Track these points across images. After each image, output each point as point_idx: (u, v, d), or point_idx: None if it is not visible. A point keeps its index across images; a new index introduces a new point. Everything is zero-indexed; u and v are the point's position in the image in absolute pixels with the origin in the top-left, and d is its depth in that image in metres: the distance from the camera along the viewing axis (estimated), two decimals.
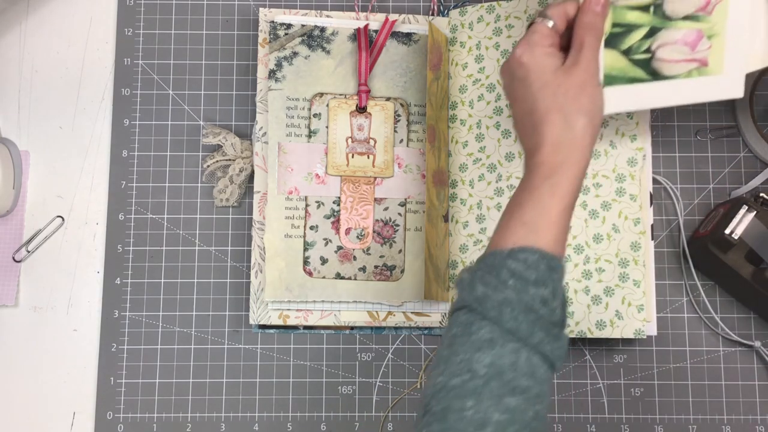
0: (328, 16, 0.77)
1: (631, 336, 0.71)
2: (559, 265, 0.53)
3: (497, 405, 0.48)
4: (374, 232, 0.75)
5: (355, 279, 0.74)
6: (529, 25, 0.58)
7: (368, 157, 0.76)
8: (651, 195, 0.73)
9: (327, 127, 0.76)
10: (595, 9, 0.58)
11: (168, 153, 0.78)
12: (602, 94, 0.58)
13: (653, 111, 0.77)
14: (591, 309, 0.72)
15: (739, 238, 0.69)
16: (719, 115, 0.78)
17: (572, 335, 0.72)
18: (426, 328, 0.75)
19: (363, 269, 0.74)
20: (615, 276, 0.72)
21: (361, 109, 0.76)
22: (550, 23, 0.58)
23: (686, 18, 0.63)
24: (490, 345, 0.50)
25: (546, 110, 0.55)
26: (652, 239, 0.74)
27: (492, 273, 0.52)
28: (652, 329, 0.73)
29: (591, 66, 0.57)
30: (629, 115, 0.73)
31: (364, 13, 0.78)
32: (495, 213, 0.74)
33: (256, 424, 0.74)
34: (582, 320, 0.72)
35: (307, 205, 0.75)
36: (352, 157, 0.76)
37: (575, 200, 0.55)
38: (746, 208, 0.70)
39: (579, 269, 0.73)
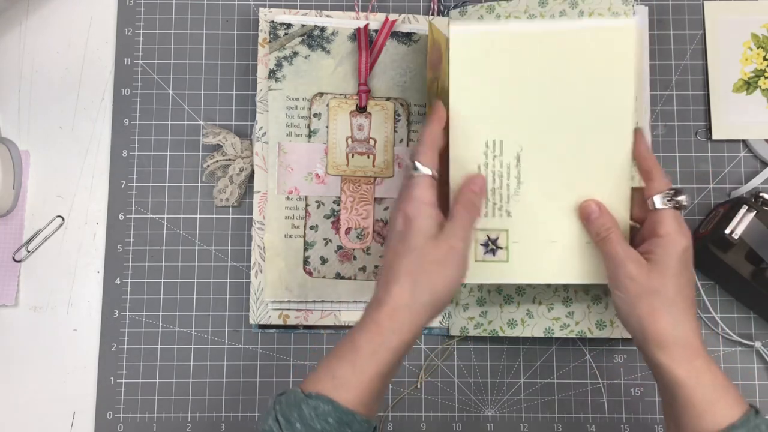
0: (328, 16, 0.77)
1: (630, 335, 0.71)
2: (355, 422, 0.53)
3: None
4: (374, 232, 0.75)
5: (355, 279, 0.74)
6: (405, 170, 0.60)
7: (368, 157, 0.76)
8: None
9: (327, 127, 0.76)
10: (474, 189, 0.61)
11: (168, 153, 0.78)
12: (459, 278, 0.58)
13: (653, 111, 0.78)
14: (591, 309, 0.72)
15: (739, 238, 0.69)
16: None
17: (572, 335, 0.72)
18: (426, 328, 0.75)
19: (363, 269, 0.74)
20: None
21: (361, 109, 0.76)
22: (428, 171, 0.59)
23: None
24: None
25: (403, 272, 0.56)
26: None
27: (287, 410, 0.53)
28: None
29: (458, 243, 0.58)
30: None
31: (364, 13, 0.78)
32: None
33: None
34: (582, 320, 0.72)
35: (307, 205, 0.75)
36: (352, 157, 0.76)
37: (394, 369, 0.56)
38: (746, 208, 0.70)
39: None
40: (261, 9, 0.78)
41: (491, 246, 0.66)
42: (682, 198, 0.59)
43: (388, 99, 0.76)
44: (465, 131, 0.65)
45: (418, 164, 0.59)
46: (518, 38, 0.63)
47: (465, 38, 0.64)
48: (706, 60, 0.78)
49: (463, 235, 0.58)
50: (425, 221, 0.57)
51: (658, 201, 0.59)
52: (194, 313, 0.76)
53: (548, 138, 0.64)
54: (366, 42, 0.76)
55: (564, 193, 0.64)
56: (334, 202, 0.75)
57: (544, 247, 0.65)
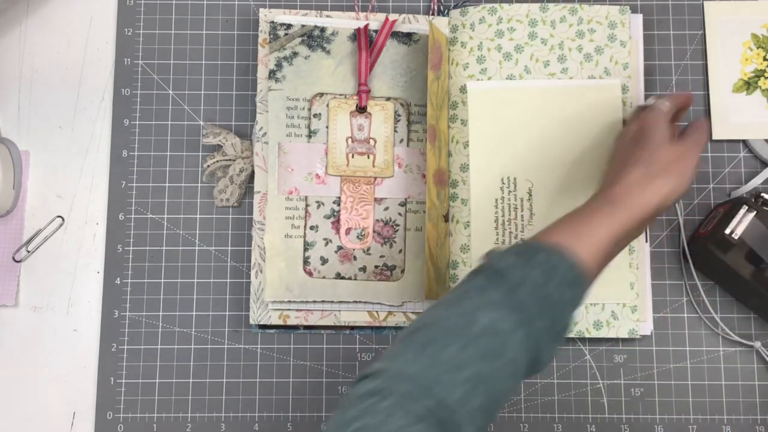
0: (328, 16, 0.77)
1: (626, 335, 0.72)
2: (586, 283, 0.56)
3: (478, 361, 0.50)
4: (374, 232, 0.75)
5: (356, 279, 0.74)
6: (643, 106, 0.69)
7: (368, 157, 0.76)
8: None
9: (327, 127, 0.76)
10: (703, 124, 0.67)
11: (168, 153, 0.78)
12: (681, 189, 0.62)
13: None
14: (588, 310, 0.73)
15: (739, 238, 0.69)
16: None
17: (571, 335, 0.73)
18: None
19: (363, 269, 0.74)
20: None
21: (361, 109, 0.76)
22: (668, 105, 0.66)
23: None
24: (497, 308, 0.52)
25: (638, 162, 0.62)
26: (647, 241, 0.74)
27: (527, 253, 0.55)
28: (646, 328, 0.74)
29: (689, 154, 0.63)
30: (625, 123, 0.74)
31: (364, 13, 0.78)
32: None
33: (256, 424, 0.74)
34: (580, 320, 0.73)
35: (307, 205, 0.75)
36: (352, 157, 0.76)
37: (625, 240, 0.60)
38: (746, 208, 0.70)
39: None
40: (261, 9, 0.78)
41: None
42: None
43: (388, 99, 0.76)
44: (483, 169, 0.74)
45: (664, 100, 0.66)
46: (525, 92, 0.75)
47: (480, 93, 0.75)
48: (706, 60, 0.78)
49: (695, 149, 0.64)
50: (662, 128, 0.64)
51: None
52: (194, 313, 0.76)
53: (555, 175, 0.74)
54: (366, 42, 0.76)
55: None
56: (334, 203, 0.75)
57: None
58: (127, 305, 0.76)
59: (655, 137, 0.63)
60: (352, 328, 0.75)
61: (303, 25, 0.76)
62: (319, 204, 0.75)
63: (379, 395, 0.48)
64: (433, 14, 0.79)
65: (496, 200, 0.74)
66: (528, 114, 0.75)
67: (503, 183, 0.74)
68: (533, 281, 0.53)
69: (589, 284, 0.56)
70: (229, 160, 0.76)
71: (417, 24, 0.78)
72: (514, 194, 0.74)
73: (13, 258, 0.76)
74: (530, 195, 0.74)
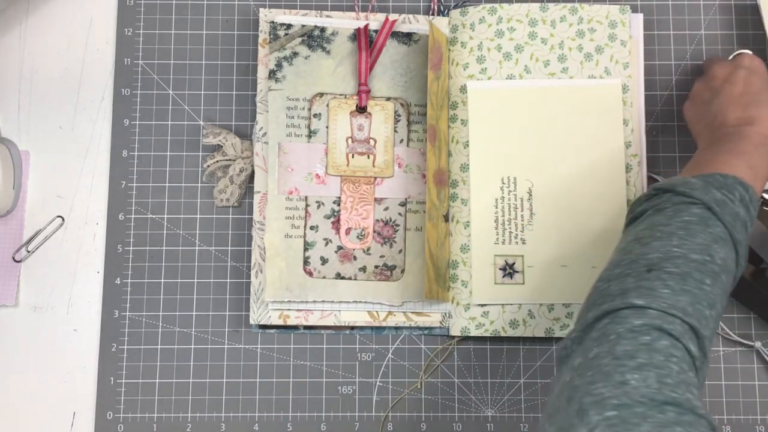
0: (328, 16, 0.77)
1: None
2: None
3: (721, 296, 0.54)
4: (374, 232, 0.75)
5: (356, 279, 0.74)
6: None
7: (368, 157, 0.76)
8: None
9: (327, 127, 0.76)
10: None
11: (168, 153, 0.78)
12: None
13: (653, 111, 0.78)
14: None
15: None
16: None
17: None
18: (426, 328, 0.75)
19: (363, 269, 0.74)
20: None
21: (361, 109, 0.76)
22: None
23: None
24: (724, 243, 0.55)
25: None
26: None
27: (725, 188, 0.57)
28: None
29: None
30: (625, 122, 0.75)
31: (364, 13, 0.78)
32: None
33: (256, 424, 0.74)
34: None
35: (307, 205, 0.75)
36: (352, 157, 0.76)
37: None
38: None
39: None
40: (261, 9, 0.78)
41: (509, 270, 0.73)
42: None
43: (388, 99, 0.76)
44: (483, 169, 0.75)
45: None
46: (525, 92, 0.75)
47: (480, 93, 0.75)
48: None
49: None
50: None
51: None
52: (194, 313, 0.76)
53: (555, 175, 0.74)
54: (366, 42, 0.76)
55: (571, 223, 0.73)
56: (334, 203, 0.75)
57: (555, 271, 0.73)
58: (127, 305, 0.76)
59: None
60: (352, 328, 0.75)
61: (303, 25, 0.76)
62: (319, 204, 0.75)
63: (656, 332, 0.49)
64: (433, 14, 0.79)
65: (496, 200, 0.74)
66: (528, 114, 0.75)
67: (503, 183, 0.74)
68: (742, 219, 0.56)
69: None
70: (229, 160, 0.76)
71: (417, 24, 0.78)
72: (514, 194, 0.74)
73: (13, 258, 0.76)
74: (530, 195, 0.74)
